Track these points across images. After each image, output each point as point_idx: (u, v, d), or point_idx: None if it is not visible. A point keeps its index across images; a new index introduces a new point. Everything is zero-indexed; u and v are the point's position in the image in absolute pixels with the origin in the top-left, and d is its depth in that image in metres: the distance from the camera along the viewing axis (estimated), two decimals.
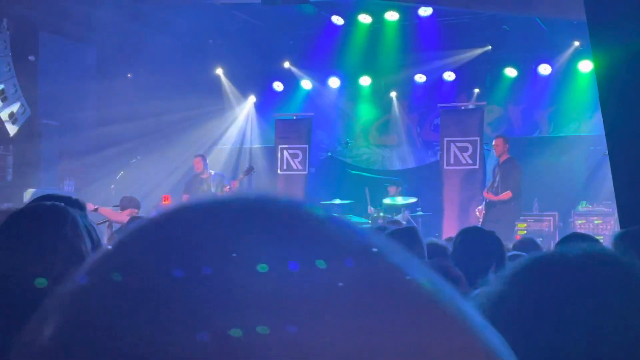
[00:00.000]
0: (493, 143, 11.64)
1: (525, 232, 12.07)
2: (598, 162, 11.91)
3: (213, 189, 12.01)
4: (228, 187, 11.89)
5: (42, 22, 12.85)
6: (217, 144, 15.49)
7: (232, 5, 12.79)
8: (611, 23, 4.54)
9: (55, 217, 2.18)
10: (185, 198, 12.04)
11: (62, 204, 2.26)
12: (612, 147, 4.43)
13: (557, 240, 11.03)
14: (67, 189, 12.80)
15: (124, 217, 9.58)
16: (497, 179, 11.24)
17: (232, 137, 15.71)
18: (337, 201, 12.87)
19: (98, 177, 13.32)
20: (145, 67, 14.22)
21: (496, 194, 11.14)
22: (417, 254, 4.24)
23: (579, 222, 11.92)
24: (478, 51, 13.86)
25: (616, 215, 11.47)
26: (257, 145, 15.55)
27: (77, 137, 13.48)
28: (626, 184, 4.19)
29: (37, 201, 2.78)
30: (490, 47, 13.78)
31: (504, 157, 11.41)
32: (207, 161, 12.33)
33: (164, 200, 12.89)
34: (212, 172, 12.24)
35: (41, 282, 2.01)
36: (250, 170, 12.08)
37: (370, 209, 12.67)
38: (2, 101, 11.68)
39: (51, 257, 2.07)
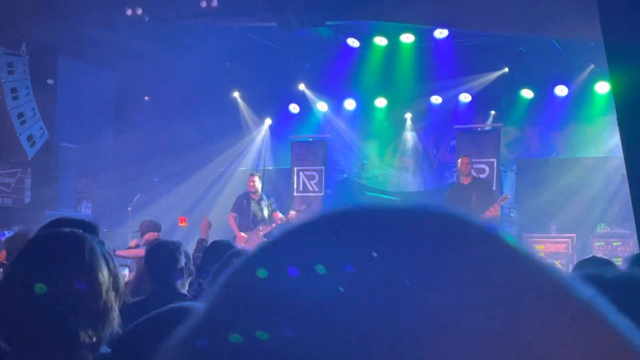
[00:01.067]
0: (461, 161, 11.30)
1: (543, 254, 12.00)
2: (616, 183, 11.82)
3: (265, 212, 11.89)
4: (281, 216, 11.72)
5: (61, 46, 12.99)
6: (234, 166, 15.52)
7: (249, 28, 12.88)
8: (629, 44, 4.52)
9: (73, 246, 2.16)
10: (232, 217, 12.03)
11: (81, 231, 2.26)
12: (630, 168, 4.39)
13: (575, 262, 10.96)
14: (84, 211, 12.87)
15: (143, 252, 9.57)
16: (474, 198, 10.94)
17: (248, 160, 15.75)
18: None
19: (115, 200, 13.38)
20: (163, 91, 14.34)
21: (480, 213, 10.78)
22: None
23: (598, 244, 11.81)
24: (495, 74, 13.86)
25: (635, 237, 11.38)
26: (272, 167, 15.56)
27: (94, 160, 13.58)
28: None
29: (54, 225, 2.78)
30: (507, 69, 13.77)
31: (469, 177, 11.22)
32: (257, 180, 12.14)
33: (180, 222, 12.93)
34: (264, 196, 12.15)
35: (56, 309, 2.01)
36: (308, 207, 12.03)
37: None
38: (21, 124, 11.79)
39: (67, 287, 2.07)
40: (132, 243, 9.82)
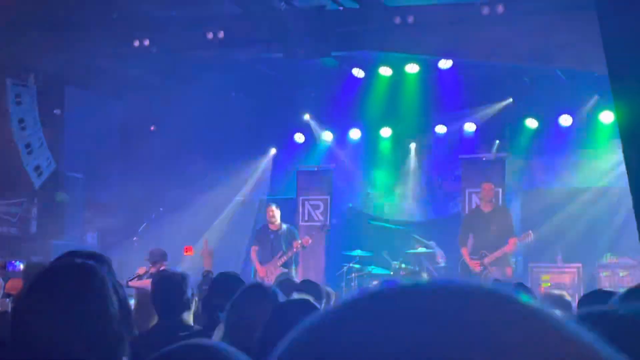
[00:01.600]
0: (483, 187, 11.25)
1: (549, 284, 11.96)
2: (622, 213, 11.80)
3: (283, 242, 11.86)
4: (298, 242, 11.70)
5: (68, 77, 13.11)
6: (240, 195, 15.54)
7: (255, 59, 12.99)
8: (633, 75, 4.56)
9: (85, 277, 2.18)
10: (254, 250, 12.00)
11: (92, 262, 2.28)
12: (636, 198, 4.40)
13: (582, 292, 10.92)
14: (90, 240, 12.89)
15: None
16: (495, 227, 10.88)
17: (254, 189, 15.78)
18: (359, 253, 12.83)
19: (121, 229, 13.39)
20: (169, 121, 14.42)
21: (497, 243, 10.75)
22: None
23: (604, 274, 11.76)
24: (499, 105, 13.94)
25: None
26: (277, 196, 15.58)
27: (100, 189, 13.62)
28: None
29: (66, 257, 2.80)
30: (511, 99, 13.85)
31: (491, 204, 11.16)
32: (275, 210, 12.10)
33: (186, 252, 12.94)
34: (284, 225, 12.13)
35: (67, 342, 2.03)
36: (324, 227, 12.00)
37: (394, 264, 12.50)
38: (28, 154, 11.86)
39: (78, 318, 2.08)
40: (141, 271, 9.83)
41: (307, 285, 6.09)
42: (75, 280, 2.15)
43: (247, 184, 15.79)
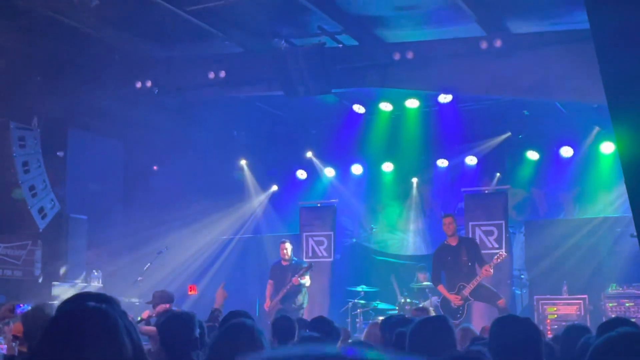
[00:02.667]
0: (445, 221, 11.07)
1: (555, 316, 11.90)
2: (626, 244, 11.79)
3: (290, 278, 12.00)
4: (296, 277, 11.84)
5: (70, 119, 13.21)
6: (243, 233, 15.54)
7: (256, 97, 13.10)
8: (633, 105, 4.60)
9: (99, 322, 2.18)
10: (270, 284, 12.17)
11: (105, 305, 2.28)
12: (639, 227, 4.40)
13: (588, 323, 10.86)
14: (94, 282, 12.86)
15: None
16: (465, 259, 10.80)
17: (257, 226, 15.78)
18: (364, 288, 12.80)
19: (125, 269, 13.38)
20: (171, 160, 14.49)
21: (470, 274, 10.63)
22: (447, 343, 4.20)
23: (610, 304, 11.70)
24: (500, 138, 14.02)
25: None
26: (281, 233, 15.57)
27: (104, 230, 13.63)
28: None
29: (77, 301, 2.80)
30: (509, 133, 13.95)
31: (456, 237, 11.07)
32: (287, 247, 12.32)
33: (190, 291, 12.89)
34: (294, 259, 12.35)
35: None
36: (309, 267, 12.10)
37: (400, 298, 12.45)
38: (33, 196, 11.89)
39: None
40: (145, 314, 9.78)
41: (319, 323, 6.00)
42: (89, 325, 2.15)
43: (250, 222, 15.79)
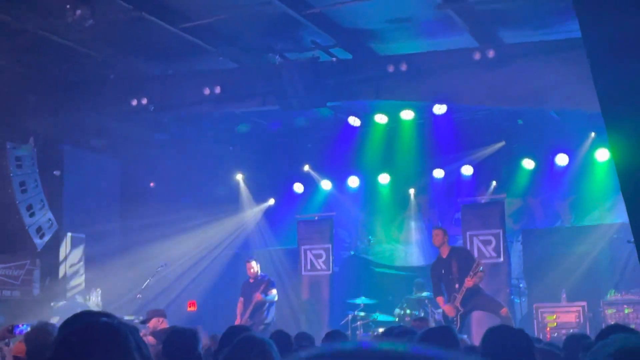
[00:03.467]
0: (433, 232, 11.13)
1: (555, 324, 11.92)
2: (623, 250, 11.83)
3: (254, 295, 12.15)
4: (258, 293, 12.08)
5: (66, 138, 13.24)
6: (240, 248, 15.55)
7: (251, 112, 13.14)
8: (627, 112, 4.65)
9: (110, 336, 2.19)
10: (240, 302, 12.32)
11: (115, 320, 2.30)
12: (637, 233, 4.44)
13: (587, 331, 10.88)
14: (93, 299, 12.85)
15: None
16: (455, 270, 10.84)
17: (255, 241, 15.80)
18: (363, 300, 12.80)
19: (124, 286, 13.37)
20: (168, 176, 14.52)
21: (461, 285, 10.57)
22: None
23: (609, 311, 11.72)
24: (495, 147, 14.09)
25: None
26: (278, 247, 15.59)
27: (102, 248, 13.63)
28: None
29: (86, 317, 2.81)
30: (504, 142, 14.01)
31: (447, 248, 11.11)
32: (253, 266, 12.53)
33: (190, 307, 12.91)
34: (260, 276, 12.51)
35: None
36: (268, 283, 12.28)
37: (406, 313, 12.40)
38: (30, 216, 11.90)
39: None
40: (141, 334, 9.77)
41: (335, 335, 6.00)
42: (102, 341, 2.15)
43: (248, 236, 15.81)
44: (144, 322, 10.30)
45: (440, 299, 10.80)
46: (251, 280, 12.50)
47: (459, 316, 10.51)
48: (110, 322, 2.24)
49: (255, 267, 12.54)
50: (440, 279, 10.86)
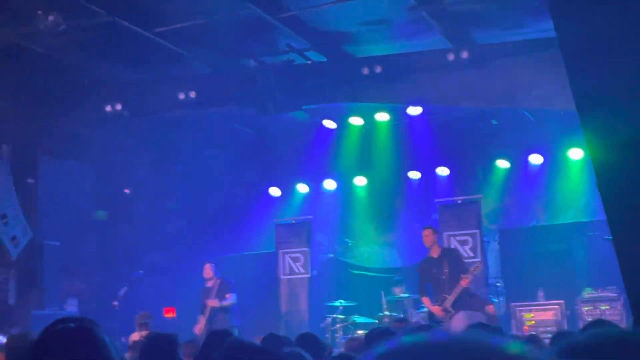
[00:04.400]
0: (423, 233, 11.12)
1: (533, 322, 12.01)
2: (598, 247, 11.94)
3: (214, 297, 12.11)
4: (212, 300, 12.07)
5: (40, 145, 13.11)
6: (220, 253, 15.47)
7: (227, 116, 13.10)
8: (602, 110, 4.68)
9: (86, 340, 2.19)
10: (202, 306, 12.24)
11: (92, 325, 2.29)
12: (614, 232, 4.48)
13: (565, 328, 10.97)
14: (70, 308, 12.73)
15: None
16: (447, 270, 10.80)
17: (233, 246, 15.72)
18: (342, 303, 12.80)
19: (101, 294, 13.27)
20: (143, 182, 14.42)
21: (452, 285, 10.54)
22: None
23: (586, 308, 11.84)
24: (470, 148, 14.17)
25: (622, 299, 11.45)
26: (254, 252, 15.54)
27: (78, 256, 13.51)
28: (634, 268, 4.23)
29: (61, 323, 2.80)
30: (481, 142, 14.10)
31: (438, 248, 11.12)
32: (214, 268, 12.51)
33: (166, 313, 12.84)
34: (219, 281, 12.35)
35: None
36: (222, 284, 12.27)
37: (385, 314, 12.35)
38: (5, 225, 11.77)
39: None
40: (135, 336, 9.72)
41: (306, 339, 6.00)
42: (78, 342, 2.15)
43: (225, 241, 15.73)
44: (142, 324, 10.28)
45: (426, 299, 10.78)
46: (209, 284, 12.42)
47: (448, 318, 10.45)
48: (84, 326, 2.23)
49: (209, 270, 12.46)
50: (429, 279, 10.82)
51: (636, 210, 4.10)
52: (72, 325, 2.40)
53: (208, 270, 12.47)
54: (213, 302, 12.06)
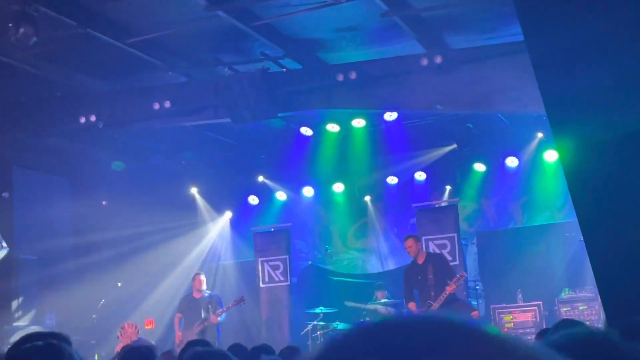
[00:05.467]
0: (405, 244, 11.19)
1: (512, 324, 12.07)
2: (575, 248, 12.03)
3: (203, 312, 11.92)
4: (220, 310, 11.85)
5: (14, 158, 12.98)
6: (198, 263, 15.40)
7: (203, 125, 13.06)
8: (571, 113, 4.72)
9: (53, 357, 2.17)
10: (177, 317, 12.03)
11: (55, 341, 2.27)
12: (585, 233, 4.52)
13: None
14: (48, 322, 12.60)
15: None
16: (431, 276, 10.80)
17: (209, 254, 15.66)
18: (322, 310, 12.79)
19: (79, 308, 13.15)
20: (120, 193, 14.32)
21: (437, 291, 10.56)
22: None
23: (564, 309, 11.92)
24: (445, 149, 14.23)
25: (599, 299, 11.53)
26: (235, 260, 15.49)
27: (55, 270, 13.38)
28: (605, 268, 4.27)
29: (25, 341, 2.77)
30: (455, 145, 14.14)
31: (422, 254, 11.18)
32: (204, 280, 12.32)
33: (147, 325, 12.74)
34: (207, 293, 12.21)
35: None
36: (240, 301, 12.04)
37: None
38: None
39: None
40: (118, 348, 9.64)
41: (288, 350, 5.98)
42: None
43: (204, 250, 15.67)
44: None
45: (412, 305, 10.80)
46: (196, 296, 12.19)
47: None
48: (51, 343, 2.21)
49: (202, 282, 12.29)
50: (415, 284, 10.86)
51: (605, 211, 4.14)
52: (39, 343, 2.38)
53: (200, 282, 12.25)
54: (215, 319, 11.86)
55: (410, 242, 11.06)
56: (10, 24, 8.76)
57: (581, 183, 4.34)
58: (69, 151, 13.33)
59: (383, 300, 12.71)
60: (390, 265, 15.13)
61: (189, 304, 12.18)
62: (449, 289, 10.41)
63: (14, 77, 11.30)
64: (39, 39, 9.01)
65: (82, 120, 11.84)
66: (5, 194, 12.80)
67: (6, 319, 12.31)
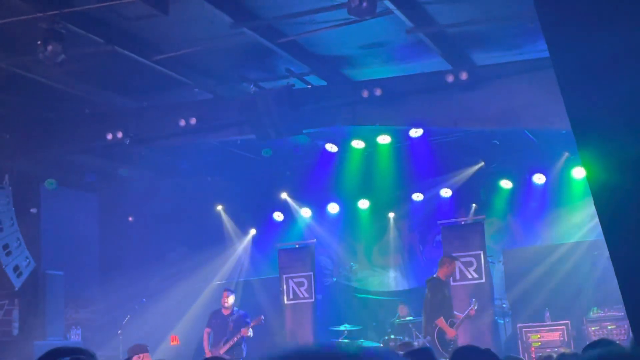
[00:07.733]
0: (451, 267, 11.34)
1: (539, 343, 11.90)
2: (603, 266, 11.84)
3: (231, 327, 11.96)
4: (246, 329, 11.88)
5: (42, 175, 13.12)
6: (221, 279, 15.42)
7: (228, 142, 13.12)
8: (597, 129, 4.66)
9: None
10: (206, 333, 12.10)
11: (83, 356, 2.26)
12: (613, 252, 4.44)
13: (572, 349, 10.86)
14: (73, 338, 12.67)
15: None
16: (449, 294, 11.11)
17: (235, 272, 15.67)
18: (347, 327, 12.72)
19: (105, 324, 13.20)
20: (146, 210, 14.41)
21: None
22: None
23: (592, 328, 11.73)
24: (472, 169, 14.14)
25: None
26: (259, 277, 15.47)
27: (81, 285, 13.47)
28: (632, 287, 4.19)
29: (53, 356, 2.77)
30: (483, 163, 14.05)
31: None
32: (232, 297, 12.41)
33: (172, 341, 12.75)
34: (235, 309, 12.26)
35: None
36: (258, 320, 12.07)
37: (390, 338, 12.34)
38: (7, 255, 11.76)
39: None
40: None
41: None
42: None
43: (229, 267, 15.69)
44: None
45: (441, 321, 10.78)
46: (225, 312, 12.28)
47: (456, 337, 10.66)
48: (81, 359, 2.21)
49: (232, 299, 12.38)
50: (442, 300, 10.95)
51: (633, 229, 4.07)
52: (66, 359, 2.37)
53: (228, 299, 12.34)
54: (246, 332, 11.91)
55: (446, 260, 11.15)
56: (39, 42, 8.88)
57: (608, 200, 4.28)
58: (96, 167, 13.45)
59: (409, 318, 12.61)
60: (416, 282, 15.02)
61: (218, 320, 12.25)
62: (472, 312, 10.75)
63: (42, 94, 11.45)
64: (67, 56, 9.11)
65: (109, 136, 11.95)
66: (33, 210, 12.93)
67: (33, 334, 12.39)
